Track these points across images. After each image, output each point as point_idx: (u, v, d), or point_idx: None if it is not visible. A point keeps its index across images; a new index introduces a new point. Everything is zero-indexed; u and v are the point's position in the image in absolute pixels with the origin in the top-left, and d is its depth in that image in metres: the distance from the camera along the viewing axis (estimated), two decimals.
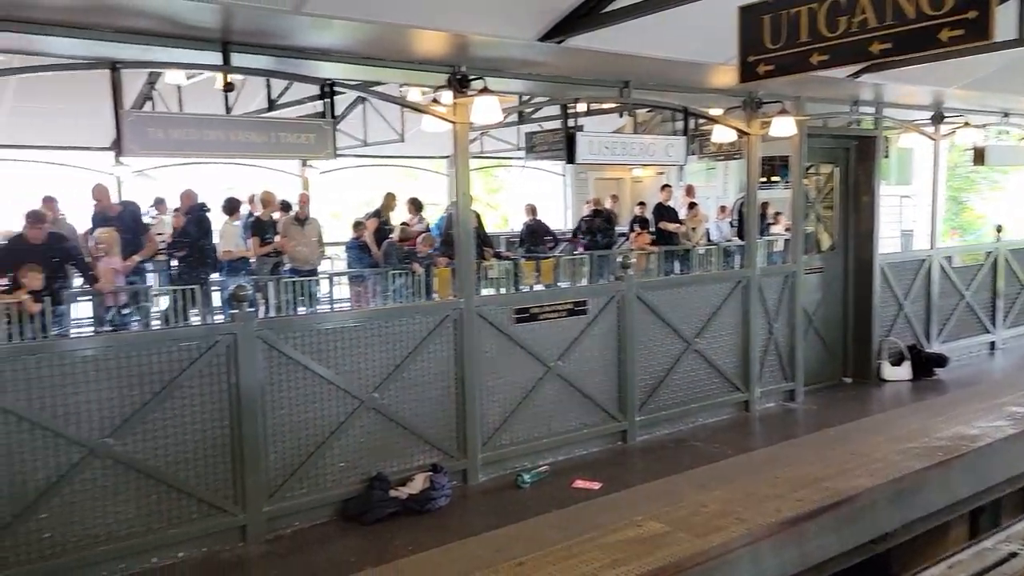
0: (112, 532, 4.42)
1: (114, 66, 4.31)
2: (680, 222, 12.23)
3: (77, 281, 7.92)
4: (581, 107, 7.28)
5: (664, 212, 12.18)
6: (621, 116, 9.13)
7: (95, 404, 4.39)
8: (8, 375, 4.16)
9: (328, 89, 5.10)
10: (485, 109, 5.46)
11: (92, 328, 8.02)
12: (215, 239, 9.27)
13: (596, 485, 5.64)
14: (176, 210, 9.57)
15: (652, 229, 12.08)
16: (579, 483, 5.70)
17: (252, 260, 9.28)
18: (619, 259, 6.98)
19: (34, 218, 7.52)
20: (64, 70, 4.37)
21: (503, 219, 19.42)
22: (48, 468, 4.24)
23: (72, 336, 6.95)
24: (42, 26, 4.02)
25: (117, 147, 4.39)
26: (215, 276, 9.16)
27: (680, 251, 11.68)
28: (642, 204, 13.22)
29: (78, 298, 7.97)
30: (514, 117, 9.93)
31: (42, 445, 4.22)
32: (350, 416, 5.27)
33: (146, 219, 10.30)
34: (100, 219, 8.90)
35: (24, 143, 11.11)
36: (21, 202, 9.28)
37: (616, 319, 6.51)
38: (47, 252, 7.28)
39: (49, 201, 9.37)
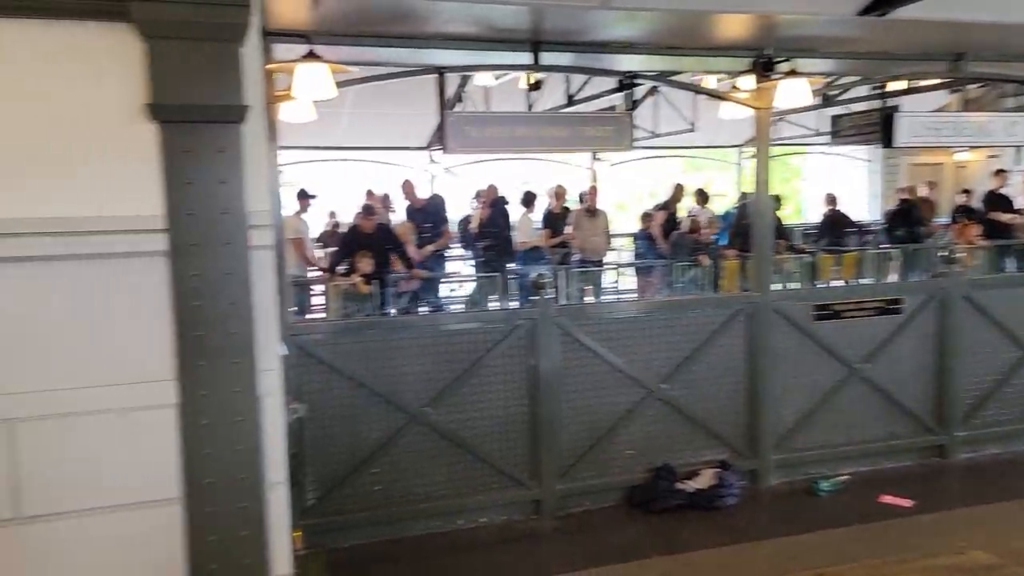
0: (428, 492, 4.92)
1: (440, 71, 4.78)
2: (1017, 212, 10.58)
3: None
4: (896, 86, 6.59)
5: (997, 200, 10.62)
6: (951, 92, 8.09)
7: (416, 376, 4.88)
8: (350, 346, 4.79)
9: (628, 81, 5.16)
10: (792, 93, 5.16)
11: (405, 309, 9.00)
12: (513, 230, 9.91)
13: (907, 503, 5.10)
14: (481, 203, 10.36)
15: (981, 219, 10.60)
16: (886, 498, 5.19)
17: (546, 250, 9.76)
18: (942, 253, 6.20)
19: (367, 211, 8.63)
20: (399, 77, 4.93)
21: (796, 210, 18.30)
22: (379, 430, 4.82)
23: (396, 315, 7.83)
24: (385, 39, 4.58)
25: (441, 145, 4.86)
26: (511, 265, 9.79)
27: (1017, 246, 10.10)
28: (967, 192, 11.65)
29: (399, 282, 8.96)
30: (815, 100, 9.26)
31: (375, 409, 4.81)
32: (638, 405, 5.31)
33: (468, 210, 11.31)
34: (410, 211, 9.96)
35: (358, 144, 12.79)
36: (355, 197, 10.70)
37: (936, 320, 5.80)
38: (376, 241, 8.31)
39: (372, 195, 10.69)
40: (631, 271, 10.86)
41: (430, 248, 9.44)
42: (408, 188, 10.10)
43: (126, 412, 2.73)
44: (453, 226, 10.83)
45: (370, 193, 10.81)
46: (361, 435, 4.79)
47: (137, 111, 2.60)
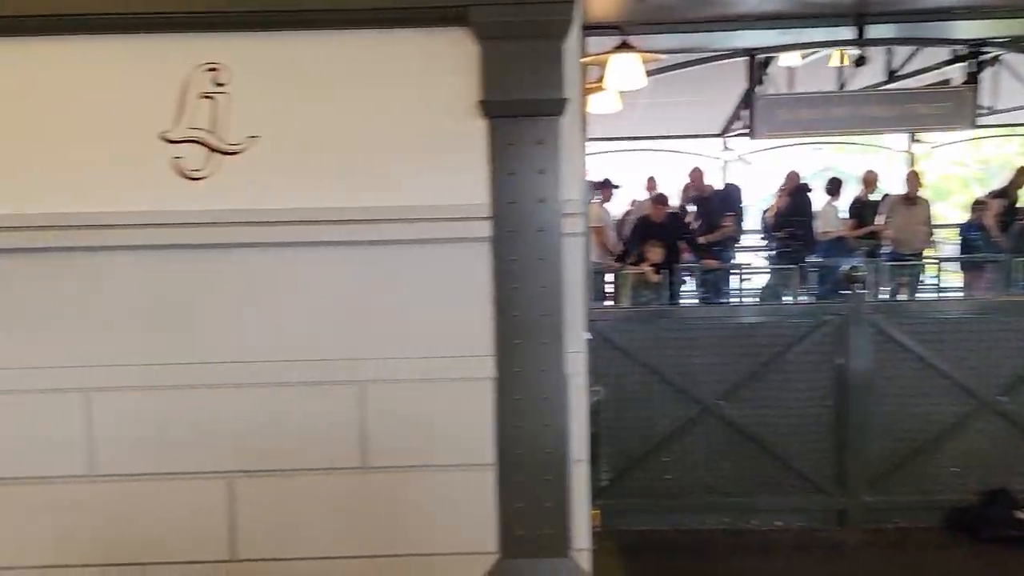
0: (718, 486, 4.79)
1: (751, 54, 4.60)
2: None
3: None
4: None
5: None
6: None
7: (709, 368, 4.75)
8: (644, 334, 4.81)
9: (969, 51, 4.54)
10: None
11: (696, 299, 8.85)
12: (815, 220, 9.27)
13: None
14: (781, 190, 9.83)
15: None
16: None
17: (852, 241, 9.00)
18: None
19: (658, 200, 8.62)
20: (709, 62, 4.83)
21: None
22: (671, 418, 4.78)
23: (690, 305, 7.75)
24: (694, 24, 4.51)
25: (748, 129, 4.68)
26: (812, 257, 9.17)
27: None
28: None
29: (690, 272, 8.84)
30: None
31: (667, 398, 4.77)
32: (967, 417, 4.69)
33: (769, 199, 10.86)
34: (697, 200, 9.73)
35: (652, 134, 12.84)
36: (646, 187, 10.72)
37: None
38: (666, 230, 8.27)
39: (653, 183, 10.62)
40: (953, 267, 9.64)
41: (701, 239, 9.18)
42: (696, 176, 9.90)
43: (452, 382, 3.02)
44: (755, 215, 10.43)
45: (651, 181, 10.79)
46: (653, 422, 4.80)
47: (471, 108, 2.85)
